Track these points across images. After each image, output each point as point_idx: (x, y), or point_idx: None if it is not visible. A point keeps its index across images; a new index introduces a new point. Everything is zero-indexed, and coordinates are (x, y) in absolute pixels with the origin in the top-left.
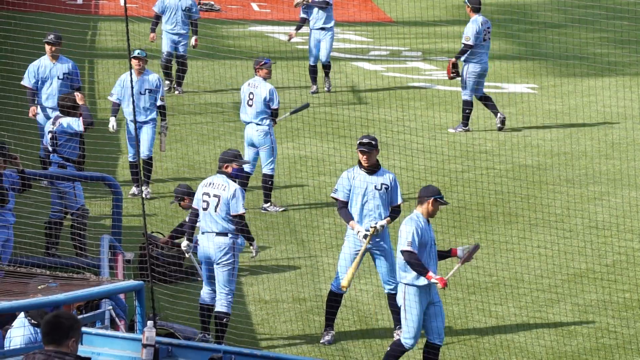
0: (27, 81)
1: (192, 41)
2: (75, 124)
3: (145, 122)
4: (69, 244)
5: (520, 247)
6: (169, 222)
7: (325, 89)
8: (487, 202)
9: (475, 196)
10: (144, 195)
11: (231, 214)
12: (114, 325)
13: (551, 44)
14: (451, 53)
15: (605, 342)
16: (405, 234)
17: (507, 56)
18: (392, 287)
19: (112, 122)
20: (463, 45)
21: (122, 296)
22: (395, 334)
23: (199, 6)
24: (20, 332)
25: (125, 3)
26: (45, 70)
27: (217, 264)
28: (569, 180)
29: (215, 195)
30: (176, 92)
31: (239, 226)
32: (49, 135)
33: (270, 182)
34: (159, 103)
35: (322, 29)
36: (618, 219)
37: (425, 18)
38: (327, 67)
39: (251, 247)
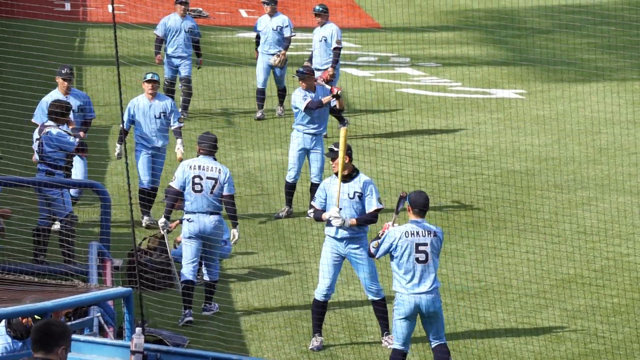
0: (39, 118)
1: (198, 62)
2: (68, 137)
3: (159, 150)
4: (57, 251)
5: (509, 252)
6: (157, 229)
7: (277, 113)
8: (475, 207)
9: (463, 202)
10: (143, 224)
11: (225, 194)
12: (102, 332)
13: (539, 49)
14: (439, 59)
15: (594, 348)
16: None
17: (495, 62)
18: (374, 293)
19: (119, 150)
20: (335, 49)
21: (110, 303)
22: (383, 340)
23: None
24: None
25: (113, 10)
26: None
27: (212, 239)
28: (557, 186)
29: (210, 178)
30: (182, 116)
31: (230, 206)
32: (37, 143)
33: (287, 187)
34: (175, 126)
35: (273, 54)
36: (606, 224)
37: (414, 24)
38: (283, 90)
39: (234, 230)
